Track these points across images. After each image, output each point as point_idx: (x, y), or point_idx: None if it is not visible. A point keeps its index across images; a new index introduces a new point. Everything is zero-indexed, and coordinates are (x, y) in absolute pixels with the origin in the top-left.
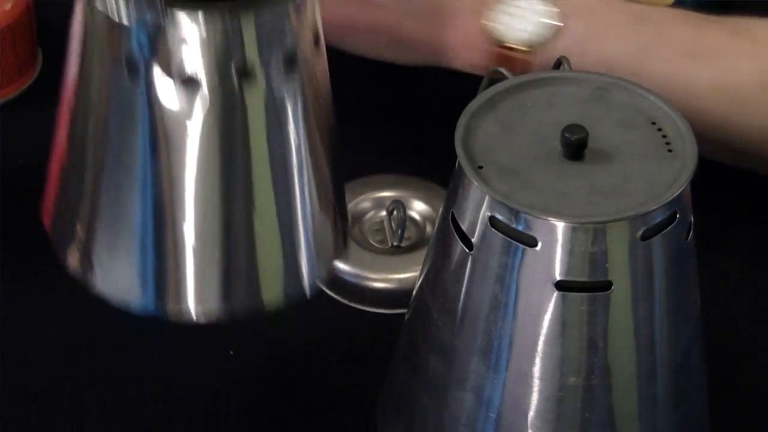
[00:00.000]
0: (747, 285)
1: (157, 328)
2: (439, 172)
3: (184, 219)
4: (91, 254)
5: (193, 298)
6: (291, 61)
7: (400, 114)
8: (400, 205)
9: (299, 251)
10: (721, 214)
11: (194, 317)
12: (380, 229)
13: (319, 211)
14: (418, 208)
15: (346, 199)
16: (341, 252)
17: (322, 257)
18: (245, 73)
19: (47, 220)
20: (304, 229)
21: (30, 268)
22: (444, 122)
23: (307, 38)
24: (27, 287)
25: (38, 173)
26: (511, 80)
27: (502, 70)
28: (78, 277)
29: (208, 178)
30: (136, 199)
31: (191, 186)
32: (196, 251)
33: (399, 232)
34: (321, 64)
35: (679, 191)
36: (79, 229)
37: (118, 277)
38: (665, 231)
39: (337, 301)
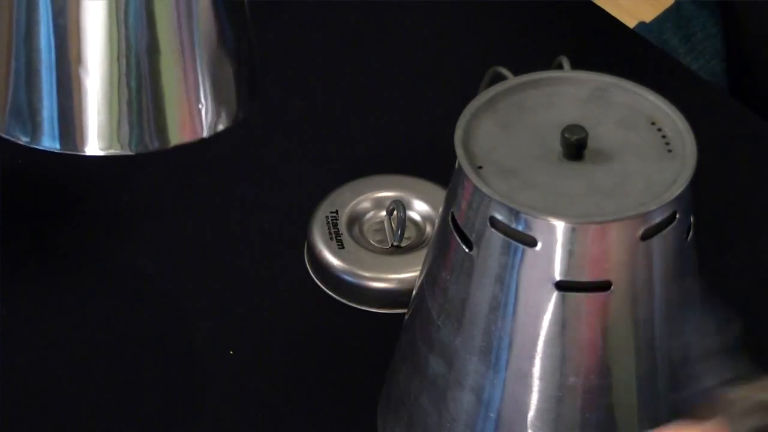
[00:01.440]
0: (747, 285)
1: (158, 329)
2: (439, 172)
3: (86, 54)
4: (5, 101)
5: (95, 133)
6: None
7: (400, 114)
8: (400, 205)
9: (198, 90)
10: (721, 214)
11: (93, 151)
12: (380, 229)
13: (220, 54)
14: (418, 208)
15: (347, 199)
16: (246, 101)
17: (222, 100)
18: None
19: None
20: (204, 68)
21: (30, 268)
22: (444, 122)
23: None
24: (27, 287)
25: (38, 173)
26: (511, 80)
27: (502, 70)
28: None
29: (111, 15)
30: (41, 36)
31: (95, 22)
32: (96, 85)
33: (399, 232)
34: None
35: (679, 191)
36: None
37: (26, 118)
38: (665, 231)
39: (337, 301)
